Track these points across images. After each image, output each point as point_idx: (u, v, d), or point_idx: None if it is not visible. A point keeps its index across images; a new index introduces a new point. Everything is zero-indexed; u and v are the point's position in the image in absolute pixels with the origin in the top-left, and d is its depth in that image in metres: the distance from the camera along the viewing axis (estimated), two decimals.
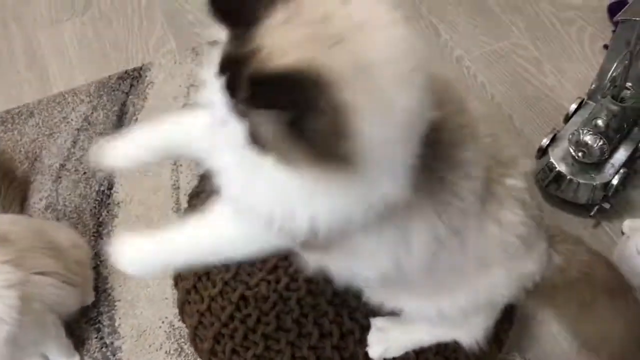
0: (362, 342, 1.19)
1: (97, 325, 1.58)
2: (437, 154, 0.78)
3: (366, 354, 1.18)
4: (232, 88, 0.67)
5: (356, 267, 0.92)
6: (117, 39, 2.23)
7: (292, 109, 0.63)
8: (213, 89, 0.69)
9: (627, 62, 1.53)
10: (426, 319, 1.08)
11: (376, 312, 1.17)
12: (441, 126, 0.76)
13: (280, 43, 0.64)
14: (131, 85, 2.08)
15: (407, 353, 1.18)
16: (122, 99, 2.05)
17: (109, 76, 2.11)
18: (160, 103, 2.03)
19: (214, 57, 0.70)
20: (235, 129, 0.69)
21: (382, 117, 0.66)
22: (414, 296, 1.05)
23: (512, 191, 0.91)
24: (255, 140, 0.68)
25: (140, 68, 2.13)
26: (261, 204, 0.77)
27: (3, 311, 1.20)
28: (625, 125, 1.69)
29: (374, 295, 1.10)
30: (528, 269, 1.01)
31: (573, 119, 1.78)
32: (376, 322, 1.19)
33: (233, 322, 1.23)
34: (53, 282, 1.36)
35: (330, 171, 0.67)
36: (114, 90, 2.07)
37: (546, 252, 1.04)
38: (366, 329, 1.20)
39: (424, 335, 1.17)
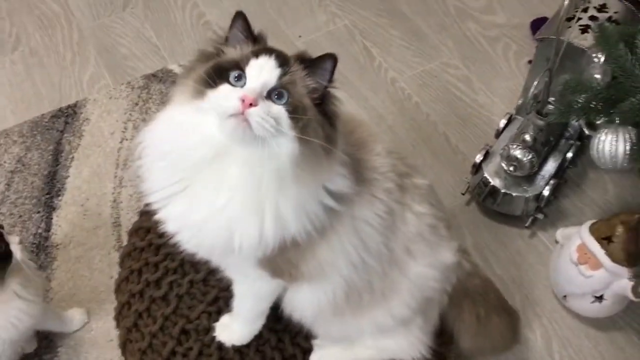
0: None
1: None
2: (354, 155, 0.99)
3: None
4: (282, 61, 0.88)
5: (320, 289, 1.04)
6: (50, 76, 2.20)
7: (332, 75, 0.89)
8: (252, 71, 0.87)
9: (547, 79, 1.60)
10: (369, 334, 1.15)
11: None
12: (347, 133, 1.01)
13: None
14: (66, 123, 2.05)
15: None
16: (57, 137, 2.01)
17: (42, 115, 2.07)
18: (96, 140, 2.00)
19: (234, 55, 0.91)
20: (266, 108, 0.85)
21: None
22: (358, 315, 1.10)
23: (419, 189, 1.06)
24: (296, 110, 0.86)
25: (75, 105, 2.10)
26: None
27: (35, 294, 1.35)
28: (551, 138, 1.77)
29: (320, 328, 1.17)
30: (448, 259, 1.11)
31: (503, 134, 1.85)
32: (317, 342, 1.21)
33: (175, 357, 1.22)
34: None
35: (331, 150, 0.89)
36: (48, 129, 2.03)
37: (459, 251, 1.15)
38: (308, 352, 1.21)
39: (363, 352, 1.19)
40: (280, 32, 2.32)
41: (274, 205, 0.89)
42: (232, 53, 0.92)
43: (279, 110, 0.85)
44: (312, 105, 0.89)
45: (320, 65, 0.89)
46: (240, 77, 0.87)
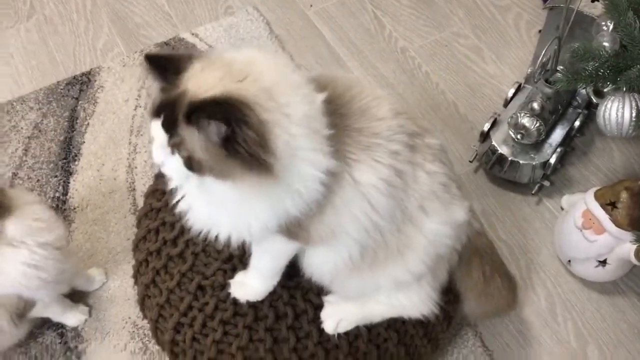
0: (316, 321, 1.24)
1: (60, 330, 1.58)
2: (351, 126, 0.99)
3: (320, 331, 1.23)
4: (168, 124, 0.88)
5: (334, 251, 1.08)
6: (64, 44, 2.23)
7: (228, 124, 0.83)
8: (153, 132, 0.90)
9: (556, 47, 1.61)
10: (386, 290, 1.19)
11: (328, 290, 1.23)
12: (346, 102, 1.01)
13: (202, 84, 0.87)
14: (80, 90, 2.09)
15: (358, 329, 1.24)
16: (72, 104, 2.05)
17: (58, 82, 2.10)
18: (111, 107, 2.04)
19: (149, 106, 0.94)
20: (175, 163, 0.91)
21: (289, 124, 0.88)
22: (375, 271, 1.13)
23: (431, 148, 1.08)
24: (192, 165, 0.89)
25: (89, 72, 2.13)
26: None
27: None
28: (559, 107, 1.79)
29: (339, 285, 1.20)
30: (461, 217, 1.13)
31: (512, 103, 1.87)
32: (328, 298, 1.25)
33: (192, 311, 1.27)
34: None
35: (261, 176, 0.88)
36: (63, 96, 2.07)
37: (470, 210, 1.17)
38: (318, 308, 1.25)
39: (374, 308, 1.23)
40: (292, 1, 2.33)
41: (250, 214, 0.97)
42: (155, 99, 0.95)
43: (179, 164, 0.91)
44: (209, 155, 0.87)
45: (206, 127, 0.85)
46: None
